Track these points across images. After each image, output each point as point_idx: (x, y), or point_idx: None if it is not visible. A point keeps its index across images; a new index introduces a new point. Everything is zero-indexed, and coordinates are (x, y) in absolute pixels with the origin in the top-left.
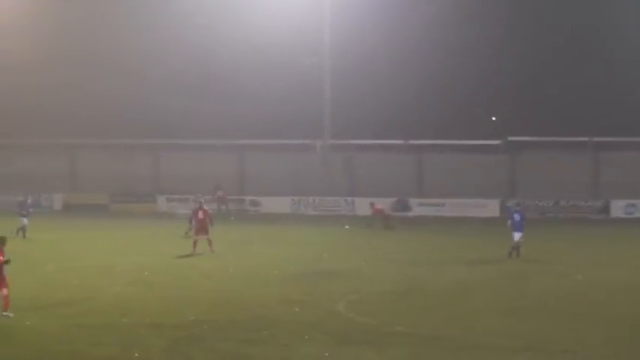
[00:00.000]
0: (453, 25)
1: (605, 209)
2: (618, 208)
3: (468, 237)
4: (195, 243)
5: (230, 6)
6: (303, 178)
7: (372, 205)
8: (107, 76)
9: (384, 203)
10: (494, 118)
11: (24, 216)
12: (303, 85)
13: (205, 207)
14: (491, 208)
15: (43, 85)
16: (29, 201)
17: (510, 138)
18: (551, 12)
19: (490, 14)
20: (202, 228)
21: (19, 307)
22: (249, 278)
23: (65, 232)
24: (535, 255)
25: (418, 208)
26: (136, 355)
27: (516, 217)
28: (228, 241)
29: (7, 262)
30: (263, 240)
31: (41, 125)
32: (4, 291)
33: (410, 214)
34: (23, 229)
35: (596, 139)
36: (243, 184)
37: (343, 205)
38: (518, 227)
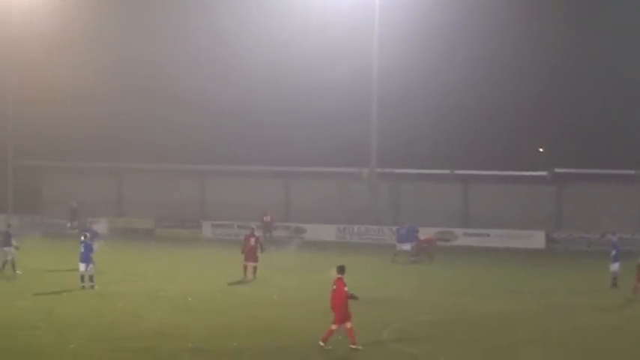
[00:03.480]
0: (501, 55)
1: None
2: None
3: (512, 268)
4: (245, 269)
5: (277, 33)
6: (349, 206)
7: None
8: (155, 102)
9: (429, 233)
10: (541, 149)
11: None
12: (351, 112)
13: (256, 233)
14: (536, 239)
15: (92, 112)
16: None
17: (557, 169)
18: (599, 45)
19: (539, 45)
20: (252, 255)
21: (63, 330)
22: (292, 306)
23: (110, 257)
24: (581, 287)
25: (463, 237)
26: None
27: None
28: (272, 268)
29: (353, 297)
30: (308, 267)
31: (89, 149)
32: (348, 324)
33: (455, 243)
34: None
35: None
36: (288, 211)
37: (388, 234)
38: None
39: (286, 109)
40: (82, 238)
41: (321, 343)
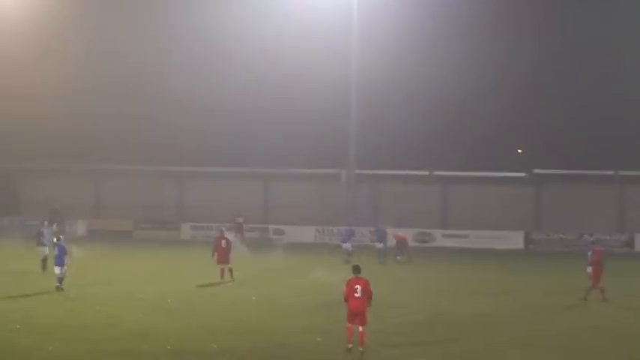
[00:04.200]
0: (480, 56)
1: (630, 243)
2: None
3: (491, 269)
4: (222, 272)
5: (257, 33)
6: (328, 207)
7: (395, 234)
8: (134, 103)
9: (406, 234)
10: (520, 151)
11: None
12: (330, 114)
13: (227, 235)
14: (515, 240)
15: (70, 112)
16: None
17: (536, 170)
18: (579, 45)
19: (517, 47)
20: (225, 256)
21: (42, 332)
22: (271, 307)
23: (88, 259)
24: (559, 288)
25: (442, 239)
26: None
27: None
28: (251, 270)
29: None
30: (286, 269)
31: (66, 150)
32: (361, 328)
33: (433, 244)
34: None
35: (621, 172)
36: (267, 212)
37: (368, 235)
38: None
39: (265, 111)
40: (55, 240)
41: (360, 348)
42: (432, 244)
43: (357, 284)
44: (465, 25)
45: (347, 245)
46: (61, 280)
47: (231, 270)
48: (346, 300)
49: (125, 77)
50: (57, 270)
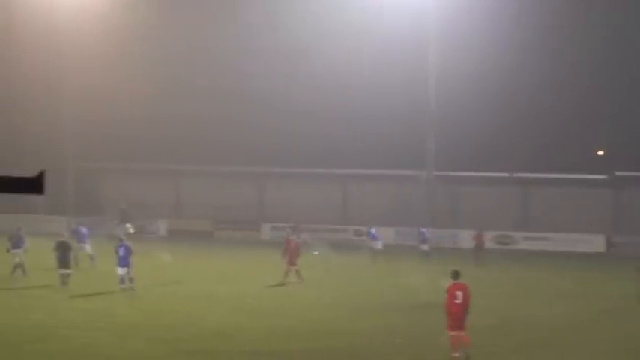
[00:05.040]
0: (562, 56)
1: None
2: None
3: (571, 272)
4: (287, 272)
5: (335, 33)
6: (407, 209)
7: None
8: (212, 103)
9: (485, 237)
10: (601, 153)
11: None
12: (408, 115)
13: (293, 237)
14: (596, 243)
15: (151, 112)
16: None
17: (617, 173)
18: None
19: (600, 49)
20: (295, 257)
21: (123, 331)
22: (349, 308)
23: (168, 259)
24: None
25: (522, 241)
26: None
27: None
28: (327, 270)
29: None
30: (365, 270)
31: (148, 151)
32: (463, 334)
33: (513, 247)
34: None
35: None
36: (346, 213)
37: (446, 237)
38: None
39: (345, 111)
40: (119, 240)
41: (454, 355)
42: (512, 246)
43: (458, 290)
44: (549, 22)
45: (424, 247)
46: (123, 280)
47: (297, 271)
48: (447, 307)
49: (205, 77)
50: (120, 271)
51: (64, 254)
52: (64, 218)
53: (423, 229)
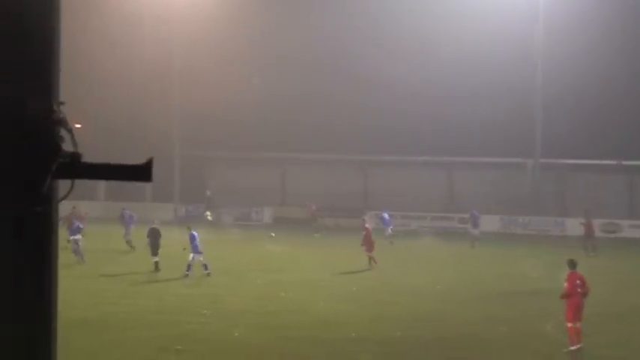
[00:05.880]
0: None
1: None
2: None
3: None
4: (370, 259)
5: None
6: (513, 196)
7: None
8: (321, 88)
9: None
10: None
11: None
12: (515, 102)
13: (367, 225)
14: None
15: (258, 99)
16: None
17: None
18: None
19: None
20: (368, 245)
21: (228, 318)
22: (454, 296)
23: (273, 246)
24: None
25: (629, 229)
26: None
27: None
28: (431, 259)
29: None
30: (470, 258)
31: (253, 139)
32: (578, 325)
33: (620, 235)
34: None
35: None
36: (452, 201)
37: (553, 225)
38: None
39: (451, 98)
40: (188, 230)
41: (572, 348)
42: (618, 234)
43: (578, 279)
44: None
45: (475, 231)
46: (190, 266)
47: (370, 257)
48: (568, 296)
49: (311, 59)
50: (194, 257)
51: (154, 241)
52: (170, 205)
53: (476, 213)
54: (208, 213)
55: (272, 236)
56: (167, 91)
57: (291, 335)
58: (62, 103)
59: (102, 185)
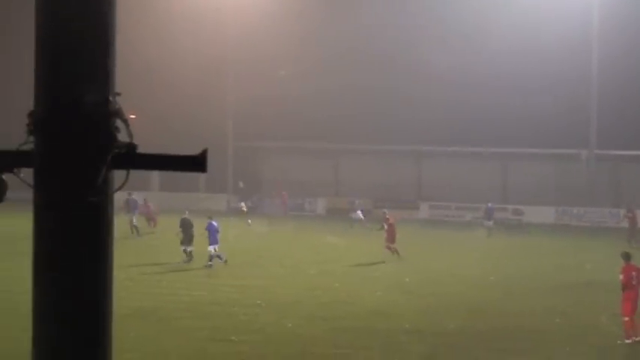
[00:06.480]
0: None
1: None
2: None
3: None
4: (393, 250)
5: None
6: (567, 188)
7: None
8: (376, 79)
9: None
10: None
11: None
12: (570, 93)
13: (388, 216)
14: None
15: (309, 91)
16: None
17: None
18: None
19: None
20: (390, 237)
21: (281, 309)
22: (508, 287)
23: (326, 236)
24: None
25: None
26: None
27: None
28: (488, 251)
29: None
30: (526, 250)
31: (307, 130)
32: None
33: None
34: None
35: None
36: (506, 192)
37: (607, 216)
38: None
39: (506, 88)
40: (208, 219)
41: (628, 341)
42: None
43: (634, 271)
44: None
45: (488, 223)
46: (211, 257)
47: (389, 248)
48: (625, 289)
49: (366, 54)
50: (210, 249)
51: (186, 231)
52: (223, 196)
53: (491, 205)
54: (243, 204)
55: (249, 224)
56: (221, 84)
57: (345, 326)
58: (118, 94)
59: (156, 176)
